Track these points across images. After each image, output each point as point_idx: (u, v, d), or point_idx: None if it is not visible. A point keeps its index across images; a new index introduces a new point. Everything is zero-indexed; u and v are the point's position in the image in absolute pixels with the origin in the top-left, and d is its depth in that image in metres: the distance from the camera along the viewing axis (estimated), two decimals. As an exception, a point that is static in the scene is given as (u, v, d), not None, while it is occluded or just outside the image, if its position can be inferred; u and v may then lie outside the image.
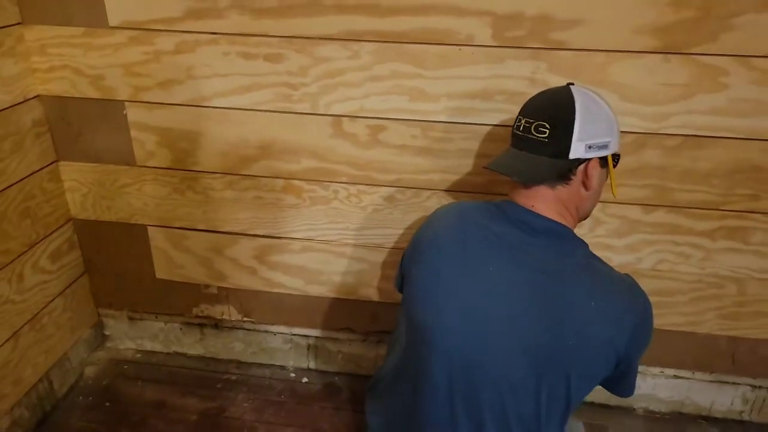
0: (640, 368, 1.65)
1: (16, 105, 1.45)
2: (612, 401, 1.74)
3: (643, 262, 1.52)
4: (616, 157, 1.08)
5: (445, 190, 1.50)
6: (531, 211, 1.04)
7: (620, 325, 0.96)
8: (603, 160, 1.04)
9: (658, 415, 1.74)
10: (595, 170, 1.03)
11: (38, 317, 1.60)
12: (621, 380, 1.05)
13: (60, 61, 1.48)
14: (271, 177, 1.55)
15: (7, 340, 1.49)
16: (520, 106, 1.12)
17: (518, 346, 0.96)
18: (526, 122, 1.05)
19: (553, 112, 1.03)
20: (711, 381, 1.68)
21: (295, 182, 1.55)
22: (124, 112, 1.53)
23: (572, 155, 1.00)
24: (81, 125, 1.56)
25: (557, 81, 1.32)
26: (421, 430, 1.06)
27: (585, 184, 1.04)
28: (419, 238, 1.15)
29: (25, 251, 1.53)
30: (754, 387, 1.67)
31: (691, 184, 1.41)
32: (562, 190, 1.03)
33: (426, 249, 1.10)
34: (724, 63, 1.27)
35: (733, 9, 1.21)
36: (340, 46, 1.37)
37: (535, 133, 1.03)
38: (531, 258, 0.99)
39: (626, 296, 1.00)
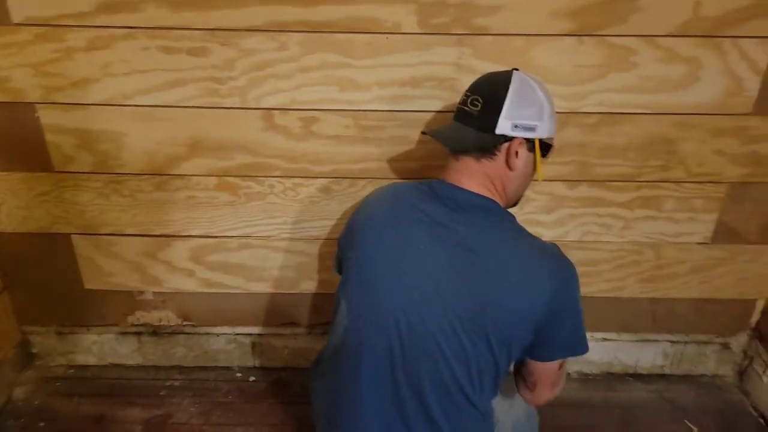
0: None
1: None
2: (549, 368, 1.84)
3: (570, 235, 1.61)
4: (546, 146, 1.12)
5: (381, 178, 1.52)
6: (457, 186, 1.08)
7: (537, 296, 1.00)
8: (531, 144, 1.08)
9: (590, 377, 1.86)
10: (521, 150, 1.07)
11: (-45, 341, 1.49)
12: (545, 347, 1.07)
13: (-41, 64, 1.37)
14: (204, 175, 1.51)
15: None
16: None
17: (446, 319, 1.00)
18: (464, 95, 1.11)
19: (488, 88, 1.08)
20: (635, 341, 1.81)
21: (229, 179, 1.52)
22: (36, 115, 1.44)
23: (498, 131, 1.05)
24: (-12, 132, 1.46)
25: (482, 66, 1.37)
26: (364, 402, 1.08)
27: (509, 163, 1.07)
28: (354, 221, 1.17)
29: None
30: (672, 342, 1.81)
31: (610, 159, 1.50)
32: (487, 164, 1.07)
33: (361, 232, 1.13)
34: (633, 43, 1.36)
35: (638, -8, 1.30)
36: (266, 37, 1.35)
37: (469, 106, 1.08)
38: (456, 234, 1.03)
39: (545, 268, 1.02)
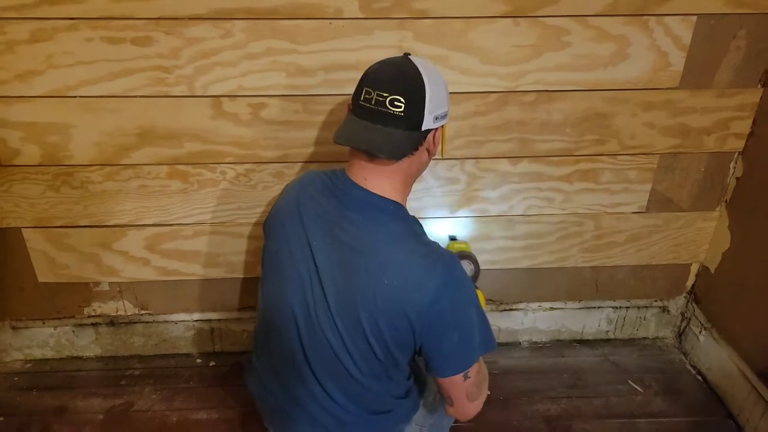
0: (524, 305, 1.87)
1: None
2: (501, 338, 1.93)
3: (515, 209, 1.69)
4: None
5: (333, 161, 1.55)
6: (357, 185, 1.08)
7: (412, 299, 1.00)
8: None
9: (540, 345, 1.95)
10: (438, 137, 1.11)
11: None
12: (431, 358, 1.08)
13: None
14: (155, 164, 1.53)
15: None
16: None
17: (336, 314, 1.05)
18: (378, 95, 1.02)
19: (406, 85, 1.02)
20: (580, 308, 1.91)
21: (180, 167, 1.54)
22: (-20, 109, 1.43)
23: (424, 127, 1.04)
24: (-71, 127, 1.44)
25: (424, 48, 1.42)
26: (289, 387, 1.16)
27: (429, 151, 1.11)
28: (271, 212, 1.21)
29: None
30: (615, 308, 1.92)
31: (548, 135, 1.58)
32: (408, 161, 1.07)
33: (273, 224, 1.17)
34: (565, 23, 1.43)
35: (567, -25, 1.37)
36: (211, 25, 1.37)
37: (390, 107, 1.01)
38: (345, 234, 1.05)
39: (422, 272, 1.01)
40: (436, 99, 1.05)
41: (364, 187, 1.08)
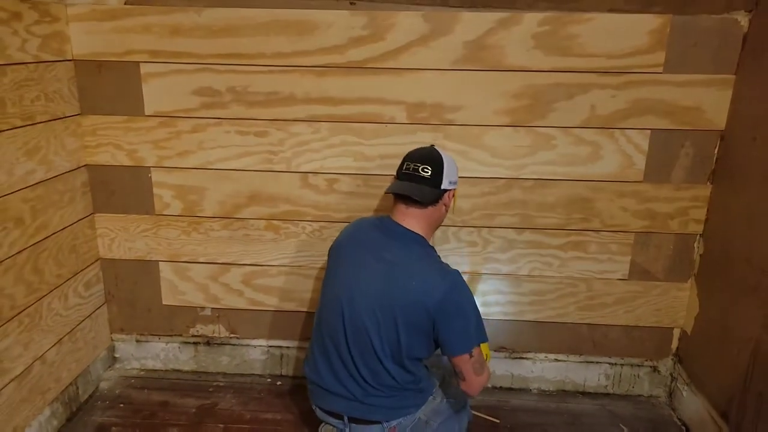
0: (532, 355, 2.28)
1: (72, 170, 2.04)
2: (514, 384, 2.32)
3: (522, 270, 2.17)
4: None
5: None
6: (398, 224, 1.65)
7: (430, 295, 1.53)
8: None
9: (547, 393, 2.32)
10: (451, 197, 1.70)
11: (74, 331, 2.07)
12: (444, 340, 1.58)
13: (105, 140, 2.09)
14: (256, 218, 2.16)
15: (54, 345, 1.96)
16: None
17: (370, 307, 1.58)
18: (414, 165, 1.64)
19: (432, 160, 1.65)
20: (581, 362, 2.29)
21: (274, 222, 2.16)
22: (150, 175, 2.12)
23: (443, 187, 1.64)
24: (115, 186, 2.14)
25: (451, 145, 2.03)
26: (333, 365, 1.68)
27: (446, 205, 1.70)
28: (335, 243, 1.79)
29: (71, 278, 2.04)
30: (611, 365, 2.28)
31: (545, 212, 2.10)
32: (428, 210, 1.65)
33: (337, 251, 1.76)
34: (553, 132, 2.01)
35: (551, 98, 1.97)
36: (306, 125, 2.04)
37: (421, 172, 1.63)
38: (388, 254, 1.61)
39: (438, 278, 1.56)
40: (449, 170, 1.67)
41: (402, 224, 1.66)
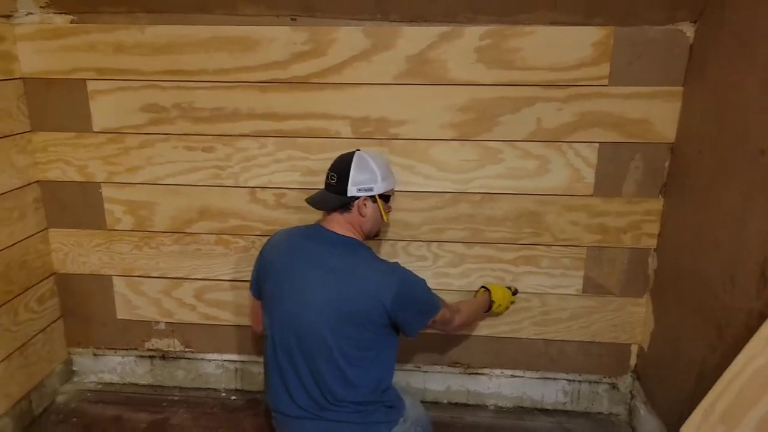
0: (488, 371, 2.25)
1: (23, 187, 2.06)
2: (470, 400, 2.29)
3: (473, 284, 2.15)
4: (386, 197, 1.74)
5: (331, 238, 2.12)
6: (328, 230, 1.68)
7: (382, 292, 1.56)
8: (373, 198, 1.69)
9: (504, 409, 2.28)
10: (367, 203, 1.67)
11: (26, 346, 2.09)
12: (406, 326, 1.65)
13: (56, 156, 2.11)
14: (207, 233, 2.16)
15: (3, 360, 1.98)
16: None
17: (328, 315, 1.58)
18: (329, 173, 1.69)
19: (339, 167, 1.67)
20: (538, 378, 2.25)
21: (224, 236, 2.16)
22: (100, 191, 2.14)
23: (349, 194, 1.64)
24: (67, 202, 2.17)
25: (398, 159, 2.01)
26: (288, 380, 1.66)
27: (360, 212, 1.68)
28: (265, 259, 1.76)
29: (21, 293, 2.06)
30: (569, 381, 2.24)
31: (494, 226, 2.07)
32: (347, 215, 1.67)
33: (270, 268, 1.72)
34: (499, 145, 1.99)
35: (497, 112, 1.95)
36: (252, 140, 2.04)
37: (330, 180, 1.68)
38: (331, 261, 1.62)
39: (387, 276, 1.59)
40: (360, 177, 1.65)
41: (333, 230, 1.67)
